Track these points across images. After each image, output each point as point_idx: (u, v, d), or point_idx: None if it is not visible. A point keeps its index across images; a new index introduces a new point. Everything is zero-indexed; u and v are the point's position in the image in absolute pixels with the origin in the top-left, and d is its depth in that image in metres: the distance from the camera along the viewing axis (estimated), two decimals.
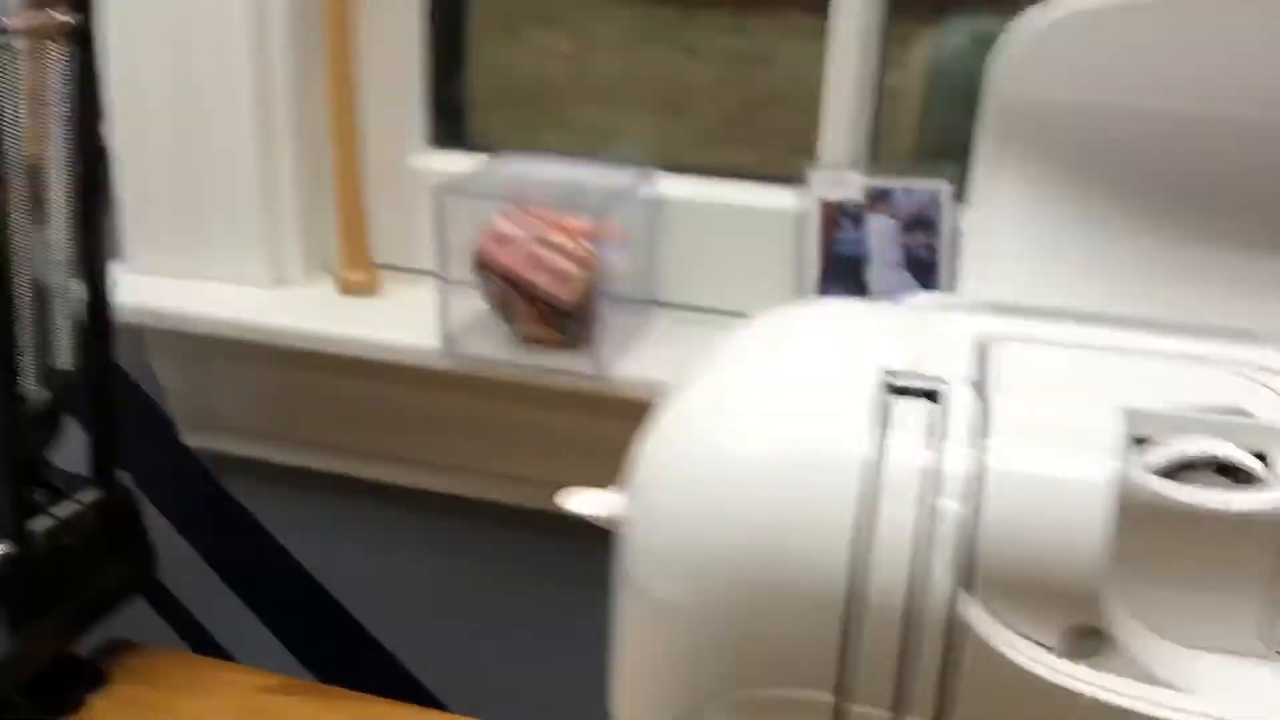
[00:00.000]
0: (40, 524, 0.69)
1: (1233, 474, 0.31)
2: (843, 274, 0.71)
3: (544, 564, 0.83)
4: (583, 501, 0.38)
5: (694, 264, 0.74)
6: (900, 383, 0.34)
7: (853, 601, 0.32)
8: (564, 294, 0.67)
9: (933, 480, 0.31)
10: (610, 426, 0.58)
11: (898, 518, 0.31)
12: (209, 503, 0.89)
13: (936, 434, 0.32)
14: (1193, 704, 0.31)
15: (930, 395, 0.33)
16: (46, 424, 0.69)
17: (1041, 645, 0.32)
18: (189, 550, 0.91)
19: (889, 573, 0.31)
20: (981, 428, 0.32)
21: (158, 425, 0.87)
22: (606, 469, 0.74)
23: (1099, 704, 0.31)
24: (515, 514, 0.81)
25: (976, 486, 0.31)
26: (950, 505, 0.31)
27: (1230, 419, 0.32)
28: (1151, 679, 0.31)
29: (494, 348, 0.70)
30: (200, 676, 0.76)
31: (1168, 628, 0.33)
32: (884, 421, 0.33)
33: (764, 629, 0.33)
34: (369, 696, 0.78)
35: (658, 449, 0.36)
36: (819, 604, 0.32)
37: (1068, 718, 0.31)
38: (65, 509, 0.70)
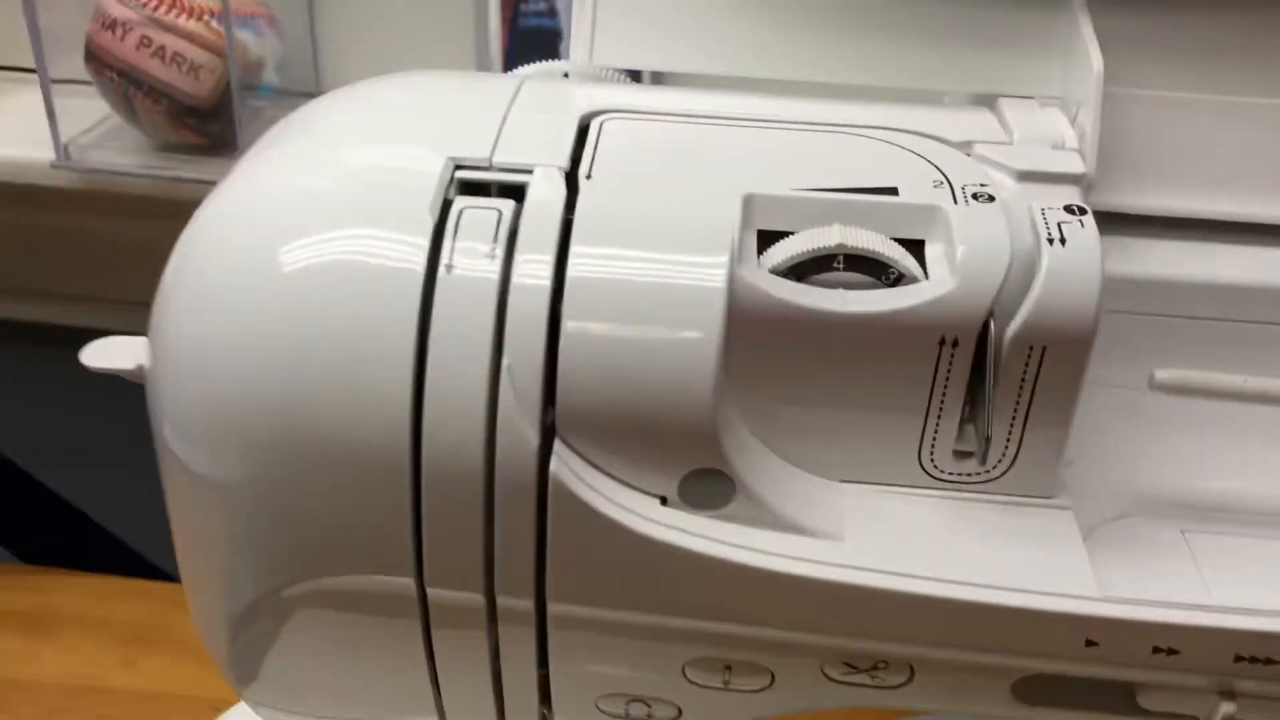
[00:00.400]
0: None
1: (878, 269, 0.25)
2: (532, 52, 0.62)
3: None
4: (107, 353, 0.30)
5: (360, 47, 0.64)
6: (474, 176, 0.26)
7: (421, 463, 0.25)
8: (192, 88, 0.56)
9: (507, 301, 0.24)
10: None
11: (468, 353, 0.24)
12: None
13: (514, 241, 0.25)
14: (840, 554, 0.25)
15: (510, 191, 0.26)
16: None
17: (656, 498, 0.25)
18: None
19: (461, 425, 0.24)
20: (567, 229, 0.25)
21: None
22: None
23: (720, 562, 0.25)
24: None
25: (561, 305, 0.24)
26: (531, 331, 0.24)
27: (876, 201, 0.25)
28: (790, 527, 0.26)
29: (122, 156, 0.59)
30: None
31: (812, 462, 0.27)
32: (453, 228, 0.25)
33: (317, 505, 0.26)
34: (20, 565, 0.69)
35: (178, 275, 0.27)
36: (379, 469, 0.25)
37: (688, 582, 0.25)
38: None
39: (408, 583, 0.26)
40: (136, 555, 0.80)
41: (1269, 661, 0.25)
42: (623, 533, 0.25)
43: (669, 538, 0.25)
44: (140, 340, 0.29)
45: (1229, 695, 0.26)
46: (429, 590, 0.26)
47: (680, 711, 0.28)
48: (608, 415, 0.24)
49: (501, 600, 0.26)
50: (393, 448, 0.25)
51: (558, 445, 0.25)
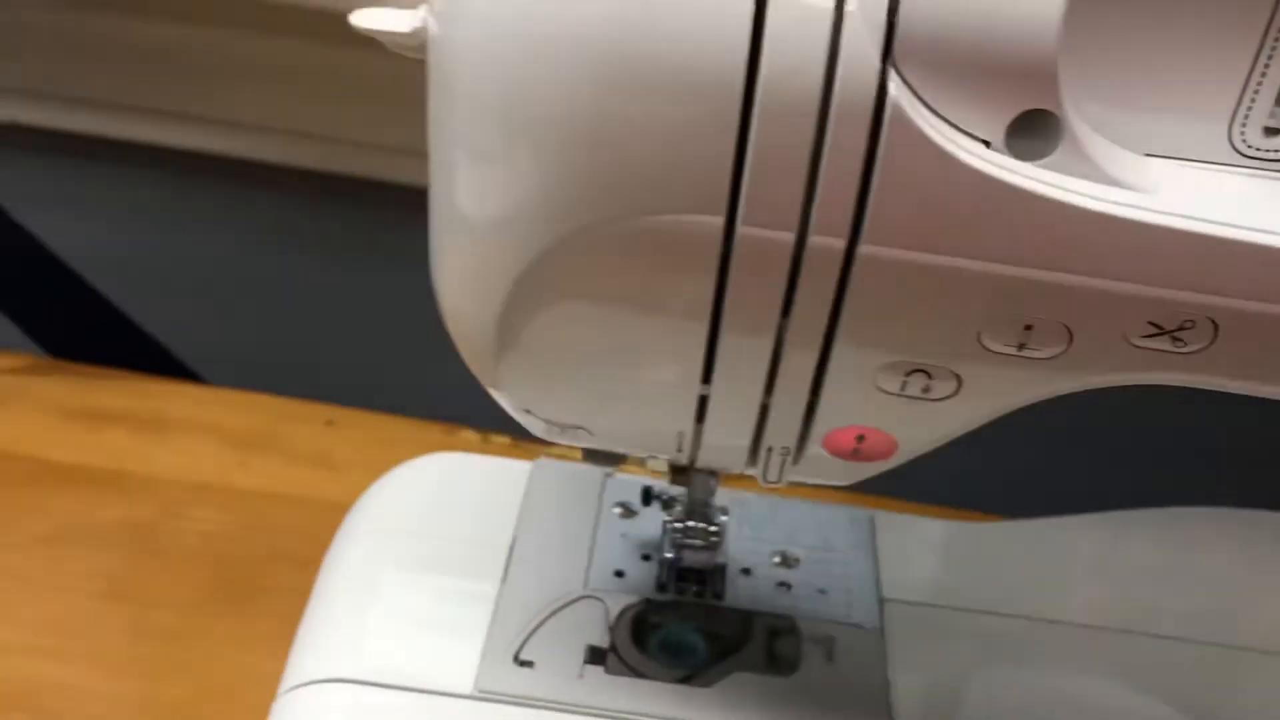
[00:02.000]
0: None
1: None
2: None
3: (320, 230, 0.74)
4: (379, 17, 0.29)
5: None
6: None
7: (752, 89, 0.24)
8: None
9: None
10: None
11: None
12: None
13: None
14: (1154, 203, 0.25)
15: None
16: None
17: (982, 141, 0.25)
18: None
19: (799, 50, 0.24)
20: None
21: None
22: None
23: (1048, 202, 0.25)
24: (285, 174, 0.71)
25: None
26: None
27: None
28: (1107, 180, 0.26)
29: None
30: None
31: (1119, 132, 0.27)
32: None
33: (632, 136, 0.25)
34: (129, 372, 0.69)
35: None
36: (710, 95, 0.25)
37: (1011, 223, 0.25)
38: None
39: (716, 226, 0.26)
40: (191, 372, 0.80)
41: None
42: (952, 165, 0.25)
43: (998, 174, 0.25)
44: (415, 10, 0.29)
45: None
46: (740, 230, 0.26)
47: (960, 385, 0.28)
48: (949, 44, 0.24)
49: (813, 240, 0.26)
50: (727, 70, 0.24)
51: (893, 75, 0.24)
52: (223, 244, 0.74)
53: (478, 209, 0.29)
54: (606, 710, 0.37)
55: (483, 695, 0.37)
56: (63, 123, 0.71)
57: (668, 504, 0.42)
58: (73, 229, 0.77)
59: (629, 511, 0.44)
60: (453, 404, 0.57)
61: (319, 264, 0.75)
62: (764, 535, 0.43)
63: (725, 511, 0.42)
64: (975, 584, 0.42)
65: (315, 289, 0.75)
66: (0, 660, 0.49)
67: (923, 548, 0.44)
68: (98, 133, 0.70)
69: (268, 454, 0.61)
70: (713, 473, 0.39)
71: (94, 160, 0.73)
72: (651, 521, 0.43)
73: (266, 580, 0.54)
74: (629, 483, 0.45)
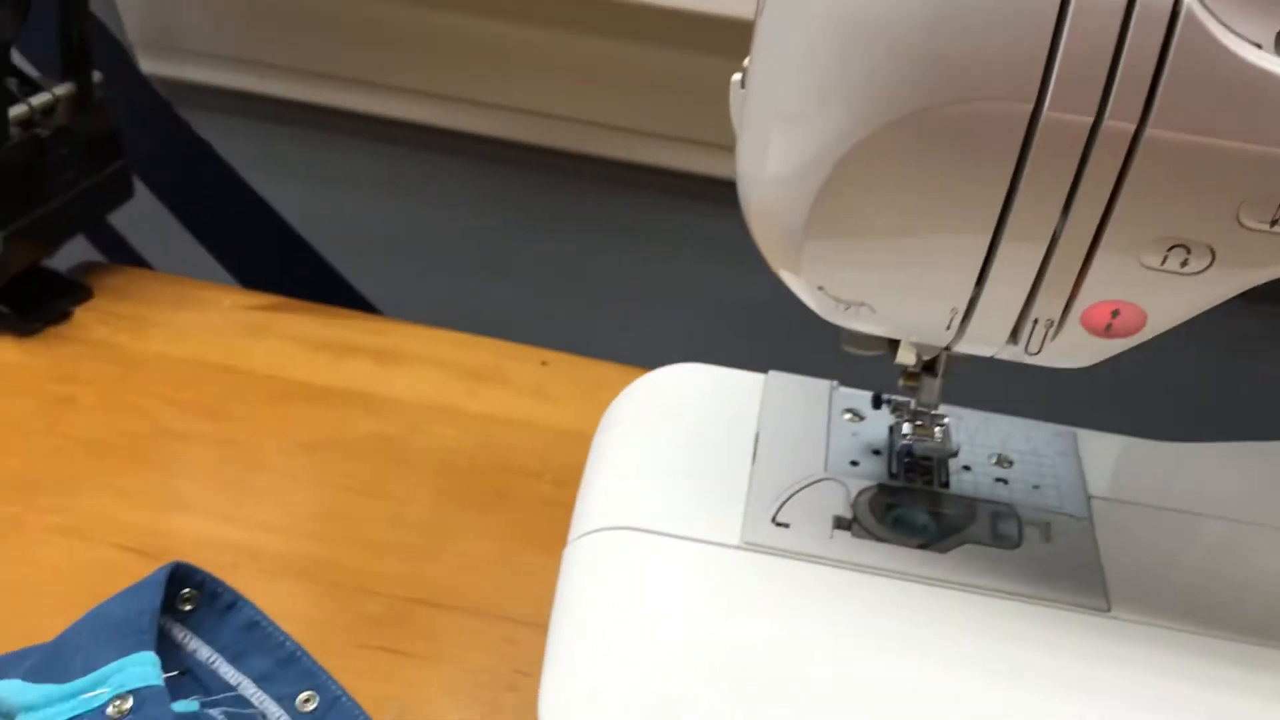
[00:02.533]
0: (14, 110, 0.63)
1: None
2: None
3: (537, 203, 0.81)
4: None
5: None
6: None
7: None
8: None
9: None
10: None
11: None
12: (167, 136, 0.84)
13: None
14: None
15: None
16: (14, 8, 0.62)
17: (1254, 44, 0.31)
18: (145, 191, 0.86)
19: None
20: None
21: (111, 51, 0.80)
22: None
23: None
24: (507, 149, 0.78)
25: None
26: None
27: None
28: None
29: None
30: (187, 294, 0.73)
31: None
32: None
33: (958, 31, 0.31)
34: (364, 313, 0.76)
35: None
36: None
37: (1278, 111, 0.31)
38: (38, 99, 0.65)
39: (1025, 111, 0.32)
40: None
41: None
42: (1233, 61, 0.30)
43: (1270, 68, 0.31)
44: None
45: None
46: (1045, 115, 0.32)
47: (1213, 259, 0.34)
48: None
49: (1107, 124, 0.32)
50: None
51: None
52: (445, 213, 0.82)
53: (810, 102, 0.35)
54: (859, 564, 0.43)
55: (748, 546, 0.43)
56: (295, 93, 0.79)
57: (897, 408, 0.48)
58: (297, 193, 0.85)
59: (857, 416, 0.50)
60: (654, 357, 0.63)
61: (531, 230, 0.82)
62: (980, 441, 0.49)
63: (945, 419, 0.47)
64: (1175, 489, 0.47)
65: (527, 253, 0.82)
66: (283, 539, 0.56)
67: (1124, 458, 0.49)
68: (329, 104, 0.78)
69: (492, 385, 0.68)
70: (942, 374, 0.45)
71: (319, 129, 0.81)
72: (879, 425, 0.49)
73: (504, 488, 0.60)
74: (853, 394, 0.51)
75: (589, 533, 0.44)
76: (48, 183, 0.65)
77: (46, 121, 0.65)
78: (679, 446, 0.48)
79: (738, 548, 0.43)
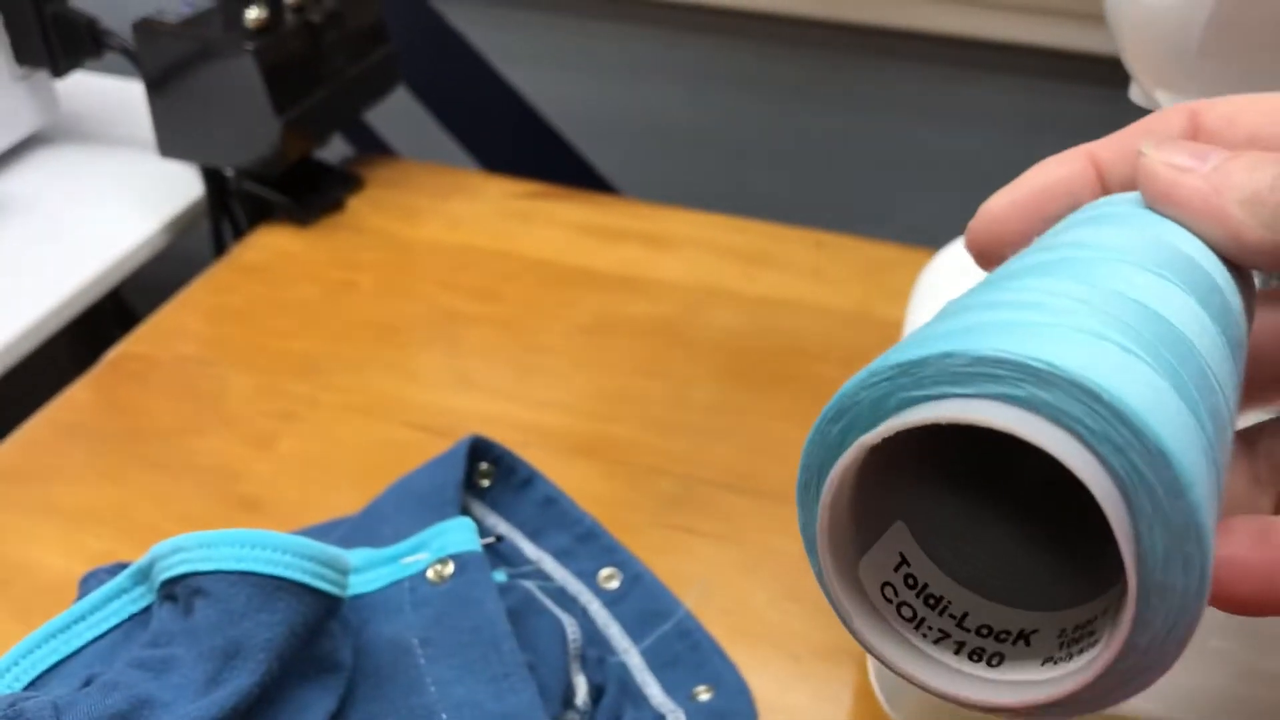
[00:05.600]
0: None
1: None
2: None
3: (792, 79, 0.77)
4: None
5: None
6: None
7: None
8: None
9: None
10: None
11: None
12: (421, 31, 0.83)
13: None
14: None
15: None
16: None
17: None
18: (400, 89, 0.86)
19: None
20: None
21: None
22: None
23: None
24: (761, 22, 0.74)
25: None
26: None
27: None
28: None
29: None
30: (454, 183, 0.72)
31: None
32: None
33: None
34: (631, 199, 0.74)
35: None
36: None
37: None
38: None
39: None
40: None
41: None
42: None
43: None
44: None
45: None
46: None
47: None
48: None
49: None
50: None
51: None
52: (693, 95, 0.79)
53: None
54: None
55: None
56: None
57: None
58: (551, 82, 0.83)
59: None
60: (930, 235, 0.59)
61: (787, 108, 0.78)
62: None
63: None
64: None
65: (785, 133, 0.79)
66: (569, 418, 0.55)
67: None
68: None
69: (767, 268, 0.65)
70: None
71: (572, 14, 0.79)
72: None
73: (785, 369, 0.58)
74: None
75: None
76: (319, 70, 0.65)
77: (317, 7, 0.65)
78: None
79: None
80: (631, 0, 0.76)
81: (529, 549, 0.48)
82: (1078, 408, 0.18)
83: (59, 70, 0.68)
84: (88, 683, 0.34)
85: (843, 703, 0.43)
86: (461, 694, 0.37)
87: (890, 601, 0.21)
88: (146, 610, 0.36)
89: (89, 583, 0.38)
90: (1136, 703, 0.35)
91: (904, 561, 0.22)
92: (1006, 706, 0.20)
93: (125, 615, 0.36)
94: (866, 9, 0.71)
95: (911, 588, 0.21)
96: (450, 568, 0.39)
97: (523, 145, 0.86)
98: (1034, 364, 0.18)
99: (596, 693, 0.41)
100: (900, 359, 0.19)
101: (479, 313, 0.61)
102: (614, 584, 0.46)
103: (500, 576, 0.43)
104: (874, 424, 0.20)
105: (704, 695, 0.43)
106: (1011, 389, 0.18)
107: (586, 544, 0.48)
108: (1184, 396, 0.19)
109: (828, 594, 0.21)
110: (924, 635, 0.21)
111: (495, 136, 0.87)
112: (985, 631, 0.21)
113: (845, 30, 0.73)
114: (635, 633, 0.45)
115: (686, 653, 0.44)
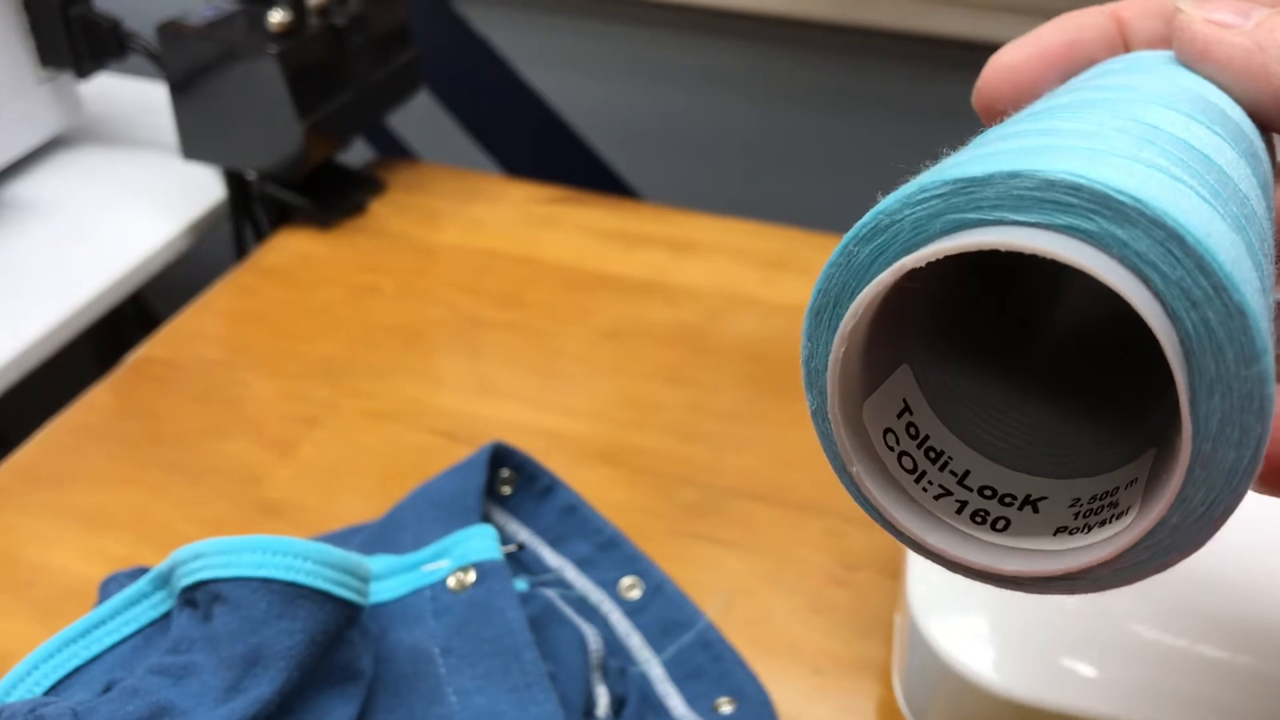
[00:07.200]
0: None
1: None
2: None
3: (811, 83, 0.77)
4: None
5: None
6: None
7: None
8: None
9: None
10: None
11: None
12: (444, 35, 0.83)
13: None
14: None
15: None
16: None
17: None
18: (423, 92, 0.86)
19: None
20: None
21: None
22: None
23: None
24: (780, 27, 0.74)
25: None
26: None
27: None
28: None
29: None
30: (476, 187, 0.72)
31: None
32: None
33: None
34: (653, 204, 0.74)
35: None
36: None
37: None
38: None
39: None
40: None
41: None
42: None
43: None
44: None
45: None
46: None
47: None
48: None
49: None
50: None
51: None
52: (713, 100, 0.78)
53: None
54: None
55: None
56: None
57: None
58: (575, 87, 0.83)
59: None
60: None
61: (805, 114, 0.78)
62: None
63: None
64: None
65: (803, 138, 0.78)
66: (592, 425, 0.54)
67: None
68: None
69: (789, 274, 0.64)
70: None
71: (595, 19, 0.79)
72: None
73: None
74: None
75: None
76: (343, 73, 0.65)
77: (342, 10, 0.65)
78: None
79: None
80: (655, 5, 0.76)
81: (550, 557, 0.47)
82: (1156, 251, 0.16)
83: (83, 72, 0.68)
84: (108, 688, 0.34)
85: (866, 717, 0.43)
86: (482, 704, 0.36)
87: (891, 450, 0.19)
88: (167, 616, 0.36)
89: (109, 587, 0.37)
90: (1098, 704, 0.34)
91: (906, 409, 0.20)
92: (1013, 574, 0.18)
93: (146, 621, 0.36)
94: (891, 14, 0.71)
95: (913, 438, 0.20)
96: (472, 576, 0.39)
97: (545, 150, 0.86)
98: (1116, 195, 0.16)
99: (617, 704, 0.41)
100: (957, 175, 0.17)
101: (500, 318, 0.61)
102: (635, 593, 0.46)
103: (521, 585, 0.43)
104: (913, 247, 0.17)
105: (726, 707, 0.42)
106: (1082, 220, 0.16)
107: (608, 552, 0.47)
108: (1253, 258, 0.17)
109: (827, 434, 0.19)
110: (924, 489, 0.19)
111: (517, 141, 0.86)
112: (989, 493, 0.20)
113: (870, 36, 0.73)
114: (657, 643, 0.45)
115: (709, 664, 0.44)
